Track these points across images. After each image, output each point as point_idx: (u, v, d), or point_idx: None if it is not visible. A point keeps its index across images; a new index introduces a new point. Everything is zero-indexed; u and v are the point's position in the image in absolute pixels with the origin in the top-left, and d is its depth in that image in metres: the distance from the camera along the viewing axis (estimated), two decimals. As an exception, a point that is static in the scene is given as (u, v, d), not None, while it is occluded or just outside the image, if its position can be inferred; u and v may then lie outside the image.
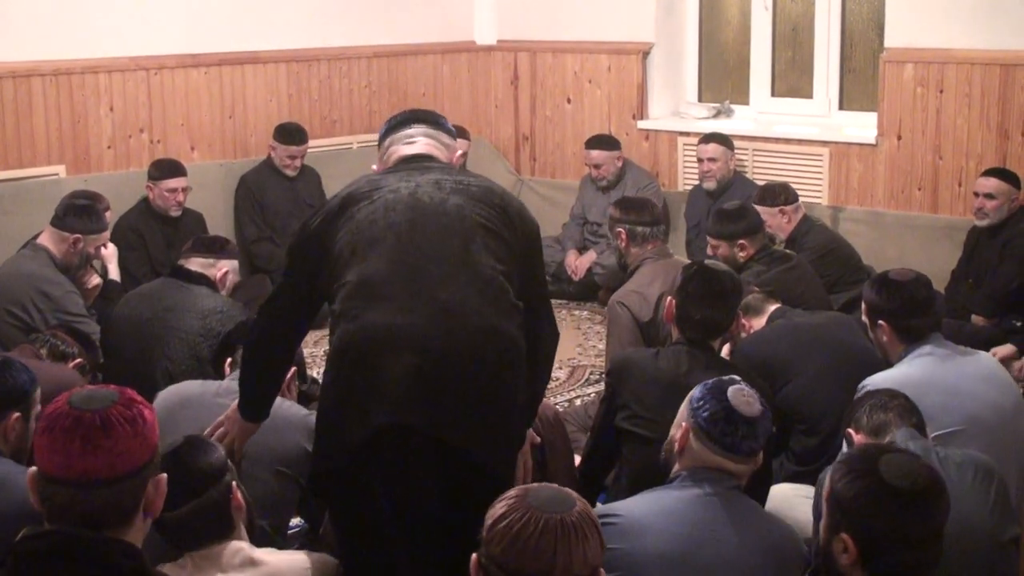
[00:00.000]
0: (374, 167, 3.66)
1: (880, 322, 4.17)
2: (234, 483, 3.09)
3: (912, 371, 4.00)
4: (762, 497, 3.81)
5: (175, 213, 6.99)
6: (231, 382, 3.96)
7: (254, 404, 3.59)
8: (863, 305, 4.31)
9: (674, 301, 4.09)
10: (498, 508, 2.43)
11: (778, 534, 3.17)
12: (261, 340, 3.56)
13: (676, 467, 3.22)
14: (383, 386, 3.08)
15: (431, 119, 3.68)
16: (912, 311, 4.13)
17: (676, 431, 3.23)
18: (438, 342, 3.10)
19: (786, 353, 4.48)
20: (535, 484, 2.52)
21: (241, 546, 3.01)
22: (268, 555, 3.05)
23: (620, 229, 5.58)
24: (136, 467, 2.36)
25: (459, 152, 3.60)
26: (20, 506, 2.81)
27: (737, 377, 3.32)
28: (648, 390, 3.81)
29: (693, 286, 4.08)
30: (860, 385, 3.97)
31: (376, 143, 3.72)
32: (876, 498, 2.66)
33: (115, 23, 7.26)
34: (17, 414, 3.47)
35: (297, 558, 3.13)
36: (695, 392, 3.24)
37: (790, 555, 3.12)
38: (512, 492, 2.48)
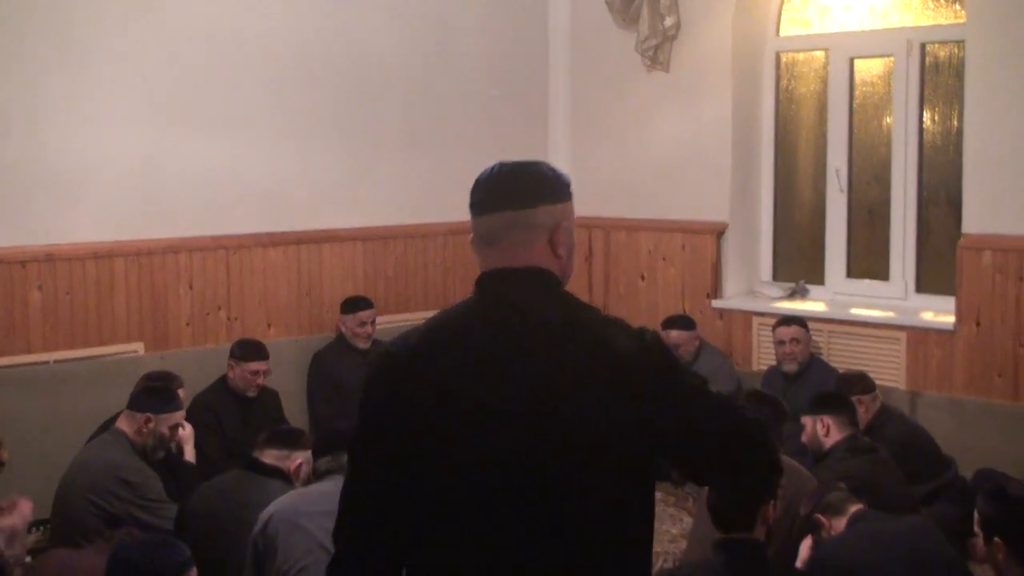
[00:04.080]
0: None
1: (995, 539, 3.95)
2: None
3: None
4: None
5: (252, 394, 7.05)
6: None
7: None
8: (976, 515, 4.10)
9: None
10: None
11: None
12: None
13: None
14: None
15: (519, 191, 2.73)
16: None
17: None
18: None
19: (867, 560, 4.38)
20: None
21: None
22: None
23: None
24: None
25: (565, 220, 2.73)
26: None
27: None
28: None
29: None
30: None
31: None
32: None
33: (195, 204, 7.42)
34: None
35: None
36: None
37: None
38: None
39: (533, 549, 2.52)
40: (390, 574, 2.65)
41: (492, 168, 2.81)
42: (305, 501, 4.46)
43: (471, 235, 2.79)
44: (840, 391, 6.31)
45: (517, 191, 2.72)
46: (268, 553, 4.38)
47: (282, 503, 4.50)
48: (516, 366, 2.55)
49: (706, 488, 3.81)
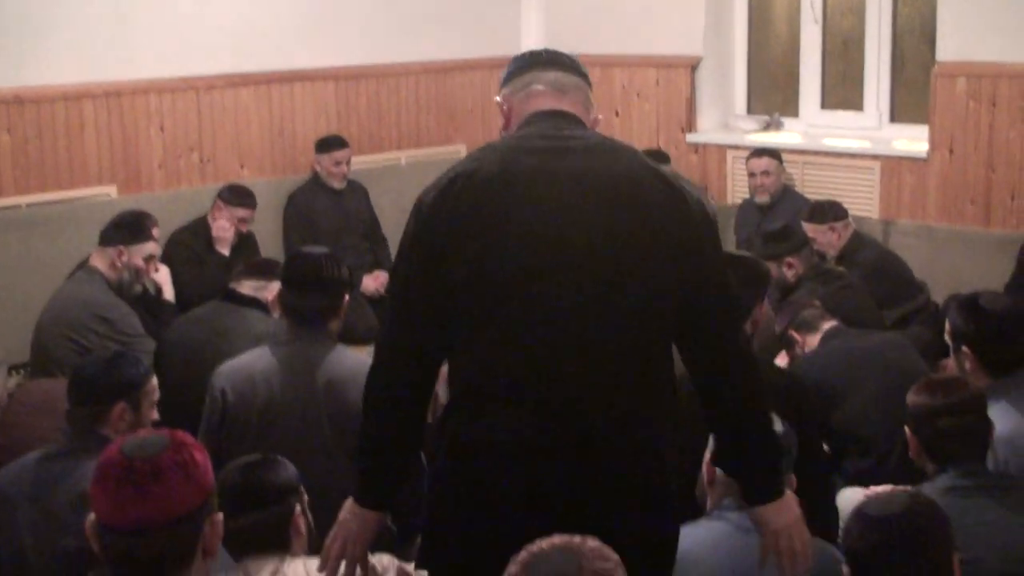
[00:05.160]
0: (498, 98, 2.96)
1: (964, 348, 4.01)
2: (298, 508, 3.17)
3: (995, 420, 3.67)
4: (827, 513, 3.76)
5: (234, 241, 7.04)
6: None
7: (375, 489, 2.90)
8: (947, 326, 4.14)
9: None
10: (504, 574, 2.28)
11: (818, 553, 3.09)
12: (383, 402, 2.85)
13: (710, 501, 3.19)
14: (495, 521, 2.68)
15: (568, 63, 2.96)
16: (1000, 342, 3.96)
17: (704, 465, 3.19)
18: (567, 459, 2.63)
19: (840, 376, 4.47)
20: (546, 546, 2.28)
21: (294, 566, 3.05)
22: None
23: None
24: (190, 511, 2.36)
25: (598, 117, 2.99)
26: None
27: None
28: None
29: None
30: None
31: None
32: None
33: (165, 44, 7.29)
34: (123, 404, 3.68)
35: None
36: None
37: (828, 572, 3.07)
38: (522, 556, 2.27)
39: (568, 349, 2.64)
40: (429, 373, 2.84)
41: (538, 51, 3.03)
42: (264, 379, 4.13)
43: (524, 87, 2.91)
44: (801, 219, 6.37)
45: (576, 65, 2.98)
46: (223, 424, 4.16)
47: (238, 373, 4.18)
48: (572, 180, 2.69)
49: None
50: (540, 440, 2.63)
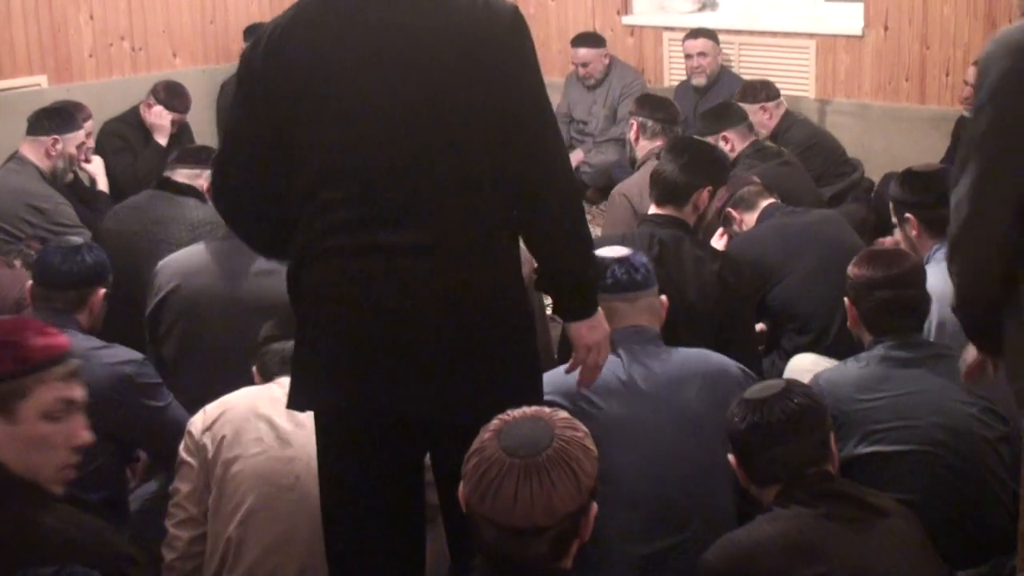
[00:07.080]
0: None
1: (907, 215, 4.12)
2: None
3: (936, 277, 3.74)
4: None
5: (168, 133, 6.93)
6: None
7: None
8: (890, 204, 4.26)
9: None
10: (476, 442, 2.33)
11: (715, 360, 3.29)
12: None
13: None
14: (340, 361, 2.74)
15: None
16: (939, 202, 3.93)
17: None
18: (403, 308, 2.67)
19: (776, 253, 4.49)
20: (518, 415, 2.35)
21: None
22: None
23: (633, 121, 5.60)
24: None
25: None
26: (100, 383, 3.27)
27: None
28: None
29: (666, 149, 4.28)
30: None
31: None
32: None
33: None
34: (104, 290, 3.78)
35: None
36: None
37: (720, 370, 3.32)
38: (493, 425, 2.33)
39: (402, 203, 2.68)
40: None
41: None
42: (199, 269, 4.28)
43: None
44: (734, 100, 6.36)
45: None
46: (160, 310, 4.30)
47: (177, 263, 4.36)
48: (390, 27, 2.67)
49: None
50: (388, 280, 2.67)
